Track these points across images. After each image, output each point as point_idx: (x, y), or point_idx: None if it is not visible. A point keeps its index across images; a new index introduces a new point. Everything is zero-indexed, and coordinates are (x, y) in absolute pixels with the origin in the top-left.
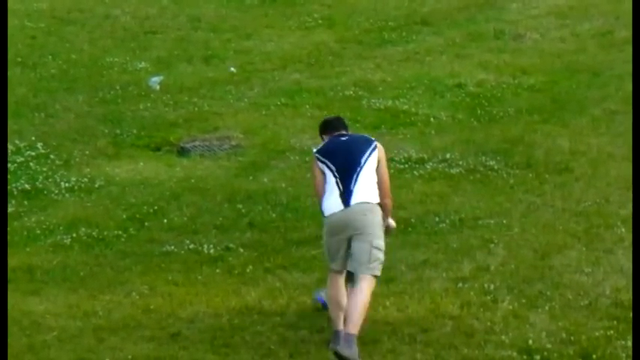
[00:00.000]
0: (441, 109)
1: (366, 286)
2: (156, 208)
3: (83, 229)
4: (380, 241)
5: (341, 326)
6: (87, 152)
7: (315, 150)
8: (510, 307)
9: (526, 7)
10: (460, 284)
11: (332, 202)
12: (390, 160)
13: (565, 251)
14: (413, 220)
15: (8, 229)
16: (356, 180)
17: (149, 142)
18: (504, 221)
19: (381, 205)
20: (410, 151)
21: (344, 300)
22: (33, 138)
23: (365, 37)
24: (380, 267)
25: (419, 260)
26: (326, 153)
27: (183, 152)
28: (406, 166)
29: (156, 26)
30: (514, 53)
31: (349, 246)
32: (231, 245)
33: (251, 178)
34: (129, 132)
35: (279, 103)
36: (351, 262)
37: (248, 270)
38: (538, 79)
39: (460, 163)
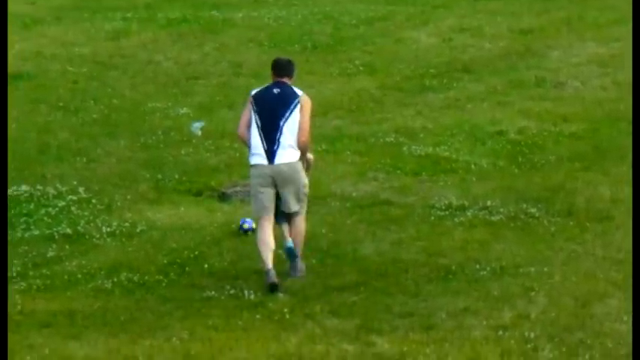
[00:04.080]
0: (482, 156)
1: (301, 219)
2: (197, 253)
3: (124, 273)
4: (304, 180)
5: (271, 265)
6: (128, 197)
7: (253, 92)
8: (551, 355)
9: (567, 55)
10: (501, 332)
11: (258, 157)
12: (430, 206)
13: (606, 299)
14: (453, 268)
15: (49, 272)
16: (278, 142)
17: (190, 187)
18: (545, 269)
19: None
20: (450, 197)
21: (272, 242)
22: (75, 182)
23: (406, 83)
24: (306, 199)
25: (459, 308)
26: (258, 101)
27: (224, 197)
28: (447, 213)
29: (198, 72)
30: (555, 101)
31: (278, 195)
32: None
33: None
34: (170, 177)
35: (320, 149)
36: (284, 205)
37: (288, 316)
38: (579, 126)
39: (501, 210)
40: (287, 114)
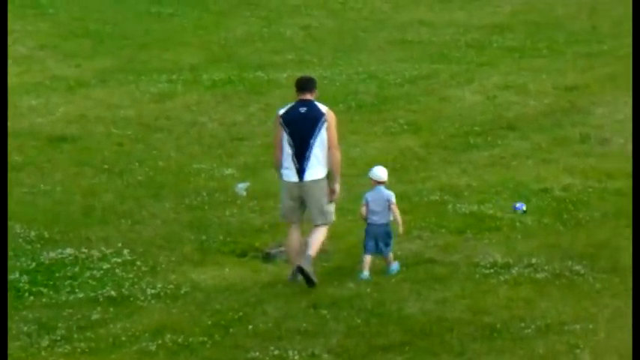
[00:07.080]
0: (527, 213)
1: (322, 228)
2: (241, 314)
3: (169, 335)
4: (325, 200)
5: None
6: (173, 259)
7: (280, 112)
8: None
9: (611, 111)
10: None
11: (290, 173)
12: (475, 265)
13: None
14: (498, 326)
15: (93, 335)
16: (308, 158)
17: (235, 248)
18: (590, 326)
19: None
20: (495, 255)
21: (298, 246)
22: (119, 245)
23: (450, 142)
24: (331, 217)
25: None
26: (288, 122)
27: (268, 258)
28: (492, 271)
29: (242, 133)
30: (600, 157)
31: (303, 203)
32: (315, 351)
33: (336, 283)
34: (215, 238)
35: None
36: (311, 215)
37: None
38: (624, 183)
39: (546, 267)
40: (316, 132)
